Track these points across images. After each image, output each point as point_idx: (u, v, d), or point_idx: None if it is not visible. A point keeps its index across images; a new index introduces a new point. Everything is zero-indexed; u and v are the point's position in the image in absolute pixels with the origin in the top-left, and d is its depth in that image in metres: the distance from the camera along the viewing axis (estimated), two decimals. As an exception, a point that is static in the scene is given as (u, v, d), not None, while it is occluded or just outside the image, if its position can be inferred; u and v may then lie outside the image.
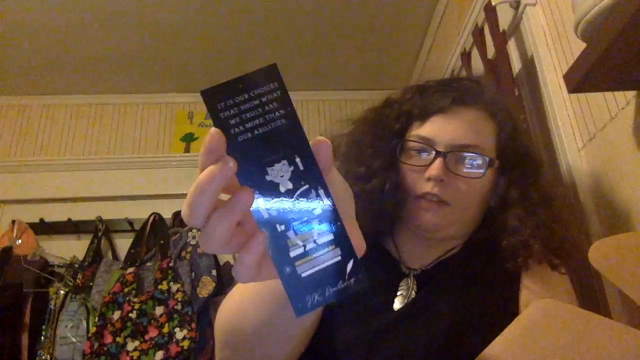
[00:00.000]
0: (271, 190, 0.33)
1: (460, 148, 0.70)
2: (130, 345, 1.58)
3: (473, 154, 0.70)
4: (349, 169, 0.76)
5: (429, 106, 0.74)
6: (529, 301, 0.68)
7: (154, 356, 1.56)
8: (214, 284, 1.77)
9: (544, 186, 0.75)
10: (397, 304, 0.71)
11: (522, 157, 0.75)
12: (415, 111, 0.75)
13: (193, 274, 1.78)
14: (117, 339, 1.59)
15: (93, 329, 1.63)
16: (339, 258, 0.33)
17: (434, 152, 0.71)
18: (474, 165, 0.70)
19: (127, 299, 1.67)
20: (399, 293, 0.72)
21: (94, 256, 1.95)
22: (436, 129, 0.72)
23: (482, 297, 0.70)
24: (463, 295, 0.70)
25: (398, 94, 0.81)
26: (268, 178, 0.33)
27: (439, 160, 0.70)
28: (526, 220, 0.71)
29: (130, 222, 2.13)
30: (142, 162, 2.34)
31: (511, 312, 0.67)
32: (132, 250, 1.90)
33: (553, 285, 0.71)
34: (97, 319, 1.66)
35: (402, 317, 0.69)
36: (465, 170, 0.70)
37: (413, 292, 0.72)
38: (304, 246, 0.33)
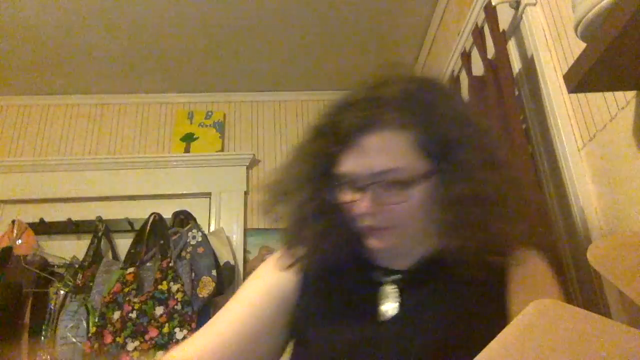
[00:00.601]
0: None
1: (380, 176, 0.69)
2: (130, 345, 1.58)
3: (394, 178, 0.68)
4: (292, 213, 0.77)
5: (341, 141, 0.72)
6: (515, 300, 0.69)
7: (154, 356, 1.56)
8: (214, 284, 1.77)
9: (481, 172, 0.69)
10: (383, 313, 0.71)
11: (451, 148, 0.70)
12: (331, 147, 0.73)
13: (193, 274, 1.78)
14: (117, 339, 1.60)
15: (93, 329, 1.63)
16: None
17: (356, 187, 0.71)
18: (399, 188, 0.69)
19: (127, 299, 1.67)
20: (383, 301, 0.73)
21: (94, 256, 1.95)
22: (352, 163, 0.70)
23: (466, 299, 0.70)
24: (448, 298, 0.70)
25: (320, 120, 0.78)
26: None
27: (363, 195, 0.69)
28: (461, 223, 0.68)
29: (130, 222, 2.13)
30: (142, 162, 2.34)
31: (499, 312, 0.68)
32: (132, 250, 1.90)
33: (531, 274, 0.72)
34: (97, 319, 1.66)
35: (390, 326, 0.69)
36: (391, 196, 0.69)
37: (397, 298, 0.72)
38: None
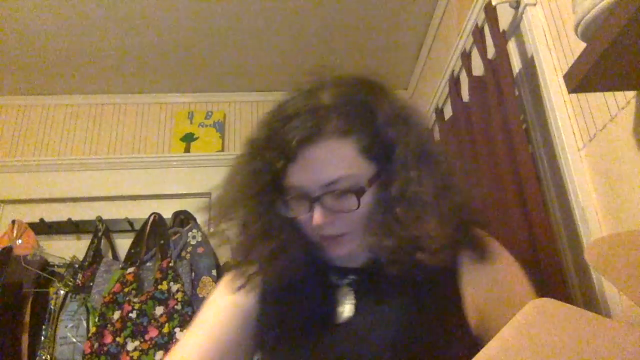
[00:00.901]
0: None
1: (329, 187, 0.68)
2: (130, 345, 1.58)
3: (343, 187, 0.68)
4: (242, 232, 0.76)
5: (286, 155, 0.69)
6: (471, 293, 0.70)
7: (154, 356, 1.56)
8: (214, 284, 1.77)
9: (414, 170, 0.69)
10: (340, 315, 0.72)
11: (390, 149, 0.70)
12: (276, 162, 0.71)
13: (193, 274, 1.78)
14: (117, 339, 1.59)
15: (93, 329, 1.63)
16: None
17: (307, 200, 0.70)
18: (349, 195, 0.68)
19: (127, 299, 1.67)
20: (339, 303, 0.73)
21: (94, 256, 1.95)
22: (300, 177, 0.69)
23: (418, 296, 0.70)
24: (400, 296, 0.70)
25: (260, 133, 0.75)
26: None
27: (316, 207, 0.69)
28: (388, 222, 0.68)
29: (130, 222, 2.13)
30: (142, 162, 2.34)
31: (452, 308, 0.69)
32: (132, 250, 1.90)
33: (485, 271, 0.71)
34: (97, 319, 1.66)
35: (346, 328, 0.70)
36: (343, 205, 0.69)
37: (352, 299, 0.73)
38: None
